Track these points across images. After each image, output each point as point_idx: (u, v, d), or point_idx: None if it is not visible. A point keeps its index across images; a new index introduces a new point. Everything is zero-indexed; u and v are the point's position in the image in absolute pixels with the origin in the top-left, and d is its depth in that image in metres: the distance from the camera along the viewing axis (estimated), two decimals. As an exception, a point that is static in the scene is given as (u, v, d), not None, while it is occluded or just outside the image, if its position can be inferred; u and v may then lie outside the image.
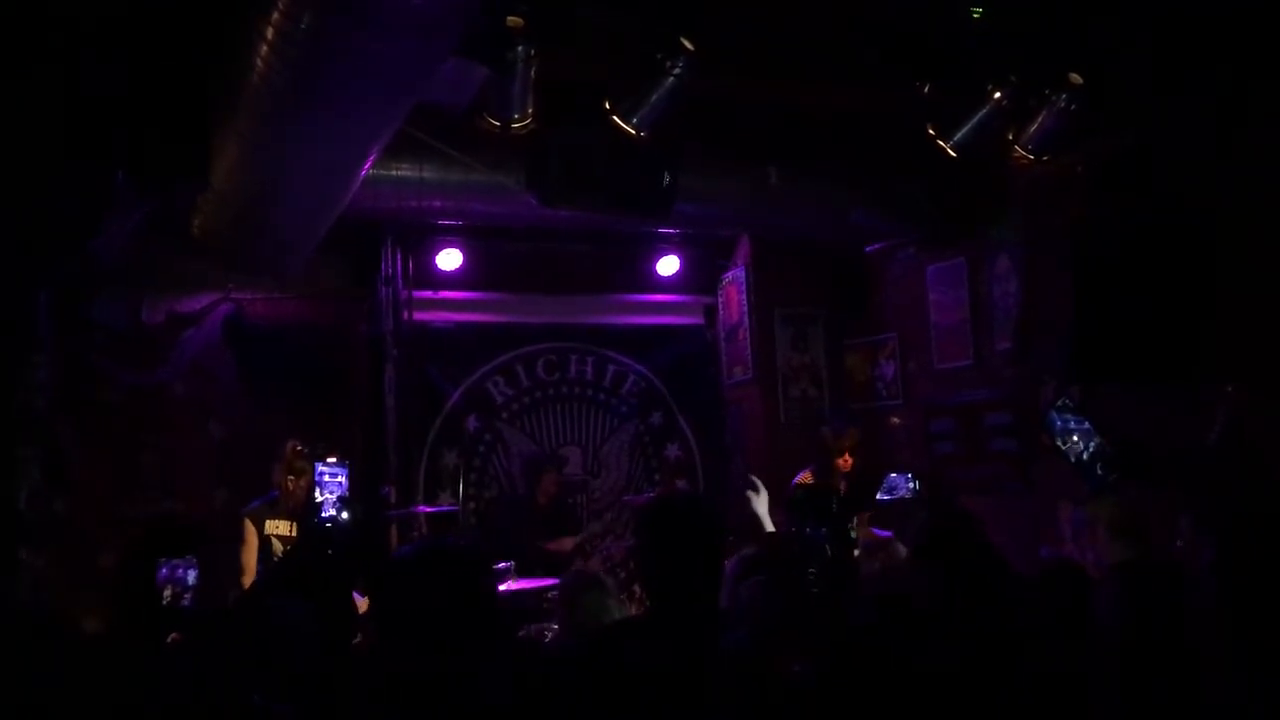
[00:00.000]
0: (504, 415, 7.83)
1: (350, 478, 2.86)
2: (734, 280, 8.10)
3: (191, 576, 2.48)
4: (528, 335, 7.90)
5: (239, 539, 5.47)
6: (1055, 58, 5.01)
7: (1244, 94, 4.84)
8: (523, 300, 7.79)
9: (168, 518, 6.40)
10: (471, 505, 7.55)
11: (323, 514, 3.00)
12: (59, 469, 6.29)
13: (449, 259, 7.37)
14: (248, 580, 5.34)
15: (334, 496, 3.04)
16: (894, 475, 3.38)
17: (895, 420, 7.43)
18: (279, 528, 5.48)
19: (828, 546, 2.13)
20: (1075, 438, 2.85)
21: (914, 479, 3.46)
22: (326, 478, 3.16)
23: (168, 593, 2.44)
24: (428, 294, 7.45)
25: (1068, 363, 5.54)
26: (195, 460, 6.85)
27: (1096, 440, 2.64)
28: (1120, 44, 4.89)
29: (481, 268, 7.55)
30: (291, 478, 5.42)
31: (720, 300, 8.30)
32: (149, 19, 4.63)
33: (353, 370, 7.31)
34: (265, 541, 5.44)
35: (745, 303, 7.96)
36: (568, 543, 6.81)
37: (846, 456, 6.09)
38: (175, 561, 2.53)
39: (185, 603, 2.49)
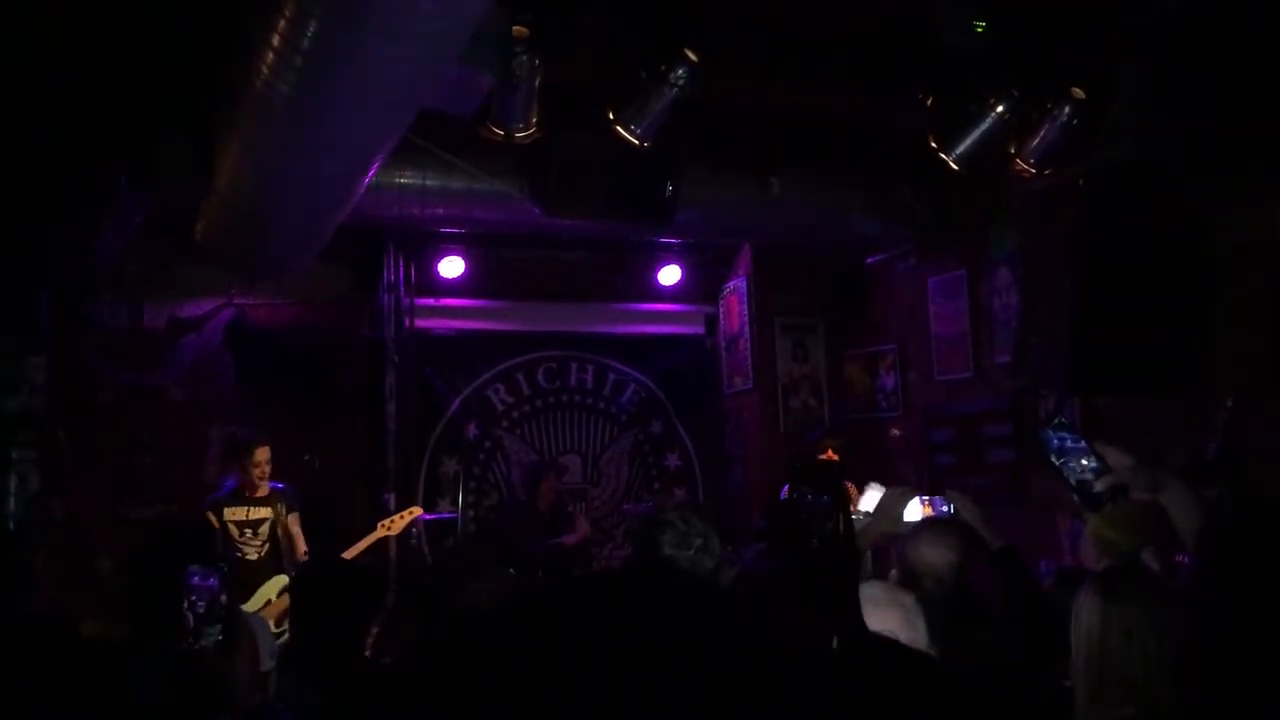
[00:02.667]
0: (504, 423, 7.83)
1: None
2: (735, 290, 8.11)
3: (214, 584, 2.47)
4: (529, 343, 7.91)
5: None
6: (1057, 70, 5.02)
7: (1242, 101, 4.85)
8: (524, 308, 7.80)
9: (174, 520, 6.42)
10: (471, 513, 7.53)
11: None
12: (57, 470, 6.29)
13: (451, 266, 7.39)
14: None
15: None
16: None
17: (895, 431, 7.43)
18: (236, 514, 5.62)
19: (829, 515, 2.13)
20: (1071, 456, 2.84)
21: (948, 503, 3.40)
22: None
23: (195, 599, 2.43)
24: (429, 301, 7.46)
25: (1067, 374, 5.53)
26: (193, 464, 6.85)
27: (1094, 458, 2.61)
28: (1119, 55, 4.90)
29: (483, 275, 7.56)
30: (258, 474, 5.62)
31: (721, 309, 8.31)
32: (154, 23, 4.65)
33: (353, 376, 7.32)
34: (224, 527, 5.57)
35: (746, 312, 7.97)
36: (581, 530, 6.90)
37: None
38: (197, 568, 2.50)
39: (201, 610, 2.47)
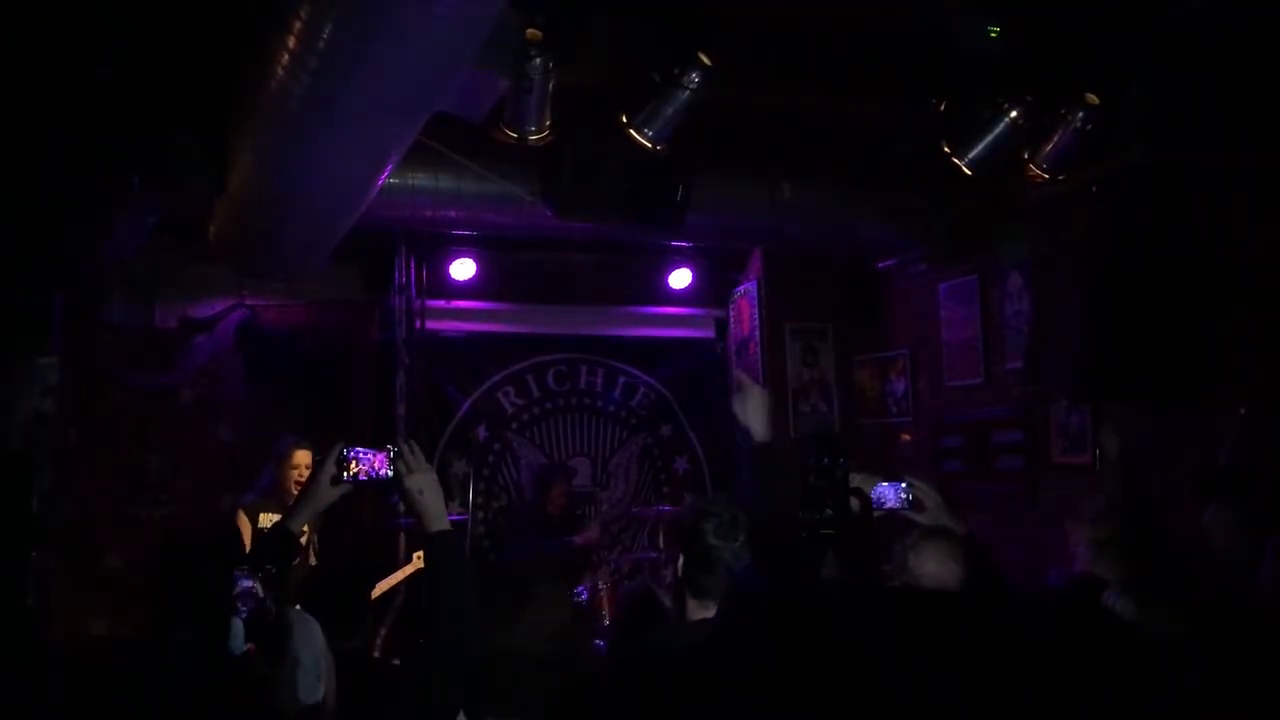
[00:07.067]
0: (514, 425, 7.83)
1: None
2: (745, 294, 8.11)
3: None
4: (539, 346, 7.91)
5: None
6: (1072, 76, 5.01)
7: (1250, 109, 4.84)
8: (534, 311, 7.81)
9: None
10: (480, 515, 7.55)
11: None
12: (68, 470, 6.31)
13: (462, 269, 7.39)
14: None
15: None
16: (883, 485, 3.08)
17: (906, 437, 7.42)
18: (273, 520, 5.47)
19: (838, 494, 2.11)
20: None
21: (908, 489, 3.19)
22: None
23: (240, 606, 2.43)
24: (440, 303, 7.47)
25: (1077, 381, 5.52)
26: (203, 464, 6.87)
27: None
28: (1133, 61, 4.89)
29: (494, 278, 7.57)
30: (296, 477, 5.39)
31: (731, 313, 8.30)
32: (168, 23, 4.66)
33: (363, 378, 7.33)
34: (259, 534, 5.36)
35: (756, 316, 7.97)
36: (591, 533, 6.91)
37: None
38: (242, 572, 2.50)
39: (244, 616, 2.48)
